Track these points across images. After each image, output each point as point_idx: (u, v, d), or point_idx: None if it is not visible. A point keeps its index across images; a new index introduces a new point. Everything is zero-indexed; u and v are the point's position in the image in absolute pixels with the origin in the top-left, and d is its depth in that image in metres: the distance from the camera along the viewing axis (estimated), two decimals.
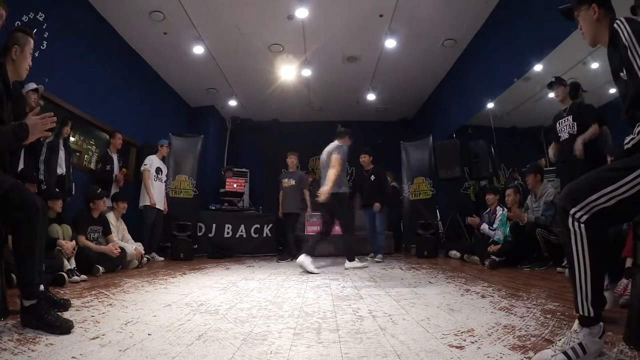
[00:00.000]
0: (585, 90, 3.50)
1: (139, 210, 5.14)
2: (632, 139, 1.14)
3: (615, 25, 1.22)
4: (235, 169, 7.67)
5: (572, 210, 1.13)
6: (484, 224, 4.46)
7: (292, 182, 5.36)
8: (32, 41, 1.84)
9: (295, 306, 2.03)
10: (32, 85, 3.42)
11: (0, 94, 1.64)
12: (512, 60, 4.62)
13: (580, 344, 1.09)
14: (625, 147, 1.16)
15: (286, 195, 5.37)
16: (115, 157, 4.83)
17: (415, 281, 2.94)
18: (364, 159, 5.31)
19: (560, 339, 1.15)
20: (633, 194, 1.06)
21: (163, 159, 5.55)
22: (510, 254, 3.79)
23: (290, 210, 5.33)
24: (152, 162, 5.28)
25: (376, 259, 4.93)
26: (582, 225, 1.11)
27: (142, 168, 5.25)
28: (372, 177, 5.22)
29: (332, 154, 4.01)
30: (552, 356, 1.08)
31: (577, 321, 1.14)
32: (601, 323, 1.12)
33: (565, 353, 1.08)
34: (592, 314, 1.10)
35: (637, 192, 1.06)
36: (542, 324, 1.53)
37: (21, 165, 3.24)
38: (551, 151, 3.55)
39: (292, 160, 5.47)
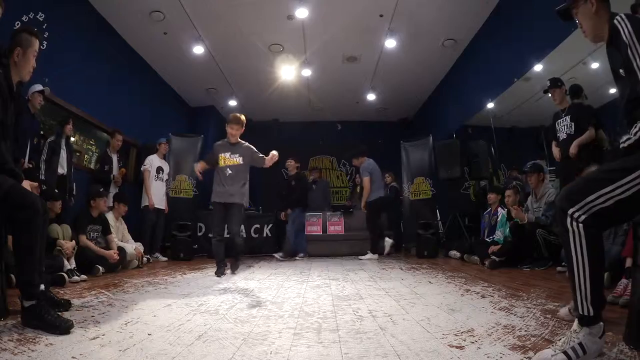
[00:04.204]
0: (587, 97, 3.49)
1: (139, 210, 5.13)
2: (629, 138, 1.13)
3: (615, 21, 1.21)
4: None
5: (571, 211, 1.13)
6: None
7: (236, 159, 3.45)
8: (36, 42, 1.78)
9: (295, 306, 2.03)
10: (39, 87, 3.42)
11: (4, 96, 1.62)
12: (512, 60, 4.62)
13: (580, 344, 1.09)
14: (621, 145, 1.15)
15: (224, 177, 3.40)
16: (114, 157, 4.82)
17: (415, 281, 2.94)
18: (290, 163, 5.82)
19: (560, 339, 1.15)
20: (631, 195, 1.06)
21: (164, 157, 5.54)
22: (510, 254, 3.78)
23: (230, 200, 3.39)
24: (152, 162, 5.28)
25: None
26: (581, 225, 1.11)
27: (142, 168, 5.27)
28: (293, 183, 5.73)
29: None
30: (552, 356, 1.08)
31: (576, 321, 1.14)
32: (601, 323, 1.12)
33: (565, 353, 1.08)
34: (591, 314, 1.10)
35: (634, 193, 1.06)
36: (542, 324, 1.53)
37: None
38: (555, 150, 3.55)
39: (232, 128, 3.48)
